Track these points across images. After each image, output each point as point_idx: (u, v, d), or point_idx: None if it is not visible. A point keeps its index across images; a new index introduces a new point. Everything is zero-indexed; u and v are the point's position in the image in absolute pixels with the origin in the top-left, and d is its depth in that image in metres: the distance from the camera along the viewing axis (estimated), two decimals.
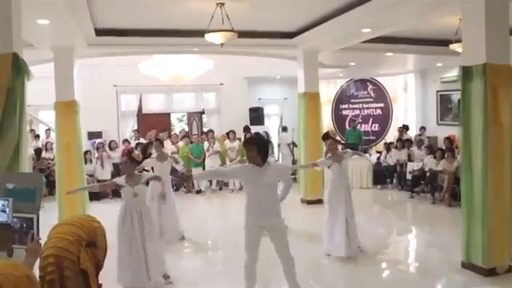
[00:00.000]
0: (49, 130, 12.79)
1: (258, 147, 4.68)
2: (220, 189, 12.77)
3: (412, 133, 14.90)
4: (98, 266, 1.72)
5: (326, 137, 6.81)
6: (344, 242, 6.42)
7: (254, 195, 4.74)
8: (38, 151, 12.13)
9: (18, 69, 4.37)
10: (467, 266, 5.82)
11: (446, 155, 10.40)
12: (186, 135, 13.61)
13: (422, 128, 14.42)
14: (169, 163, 8.02)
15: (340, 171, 6.65)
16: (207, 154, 12.54)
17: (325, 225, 6.77)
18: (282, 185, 5.10)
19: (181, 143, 12.92)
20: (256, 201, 4.73)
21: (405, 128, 14.45)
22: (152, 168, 8.11)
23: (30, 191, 3.14)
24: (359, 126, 15.86)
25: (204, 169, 12.24)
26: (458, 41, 7.16)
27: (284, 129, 14.67)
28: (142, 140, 12.46)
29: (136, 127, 14.35)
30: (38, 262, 1.71)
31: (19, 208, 3.04)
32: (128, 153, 5.69)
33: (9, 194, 3.16)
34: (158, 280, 5.56)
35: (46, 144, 12.46)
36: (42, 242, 1.93)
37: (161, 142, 8.35)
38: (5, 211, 3.12)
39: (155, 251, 5.53)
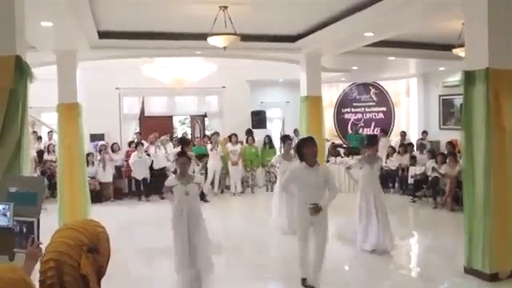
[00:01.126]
0: (51, 132, 12.80)
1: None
2: (222, 192, 12.75)
3: (414, 137, 14.91)
4: (100, 272, 1.69)
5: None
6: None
7: (305, 192, 5.31)
8: (40, 153, 12.14)
9: (21, 71, 4.38)
10: (469, 271, 5.80)
11: (447, 160, 10.37)
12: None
13: (424, 132, 14.41)
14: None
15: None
16: (210, 153, 12.49)
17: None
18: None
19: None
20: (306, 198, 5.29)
21: (402, 136, 14.40)
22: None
23: (31, 195, 3.13)
24: (361, 129, 15.86)
25: (206, 171, 12.20)
26: (461, 45, 7.16)
27: (295, 132, 14.66)
28: (145, 142, 12.45)
29: (138, 130, 14.35)
30: (38, 266, 1.70)
31: (20, 212, 3.04)
32: (184, 153, 5.98)
33: (11, 198, 3.16)
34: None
35: (49, 146, 12.47)
36: (43, 246, 1.93)
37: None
38: (6, 215, 3.11)
39: (203, 251, 5.57)
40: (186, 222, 5.47)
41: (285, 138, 9.36)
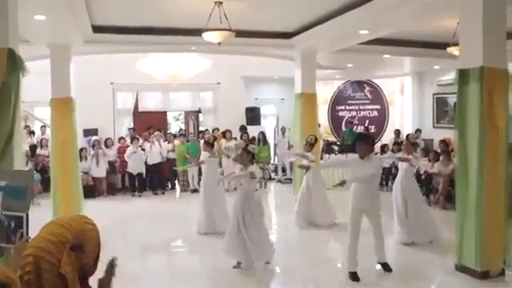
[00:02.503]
0: (44, 126, 12.73)
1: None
2: None
3: None
4: (85, 270, 1.63)
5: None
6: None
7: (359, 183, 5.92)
8: (33, 148, 12.07)
9: (14, 64, 4.35)
10: (461, 268, 5.83)
11: (441, 158, 10.41)
12: (183, 134, 13.58)
13: (418, 130, 14.45)
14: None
15: None
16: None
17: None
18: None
19: (176, 142, 12.88)
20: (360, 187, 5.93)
21: (396, 134, 14.46)
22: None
23: (21, 189, 3.08)
24: (355, 127, 15.88)
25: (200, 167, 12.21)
26: (456, 44, 7.17)
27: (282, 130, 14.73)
28: (139, 138, 12.43)
29: (132, 125, 14.30)
30: None
31: (9, 206, 3.00)
32: (245, 146, 6.85)
33: (2, 191, 3.12)
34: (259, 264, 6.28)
35: (41, 141, 12.40)
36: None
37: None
38: None
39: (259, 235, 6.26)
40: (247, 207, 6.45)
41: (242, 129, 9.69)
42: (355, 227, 5.95)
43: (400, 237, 7.48)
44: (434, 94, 15.05)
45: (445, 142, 11.81)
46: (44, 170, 11.27)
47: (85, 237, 1.62)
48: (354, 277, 5.82)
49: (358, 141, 6.25)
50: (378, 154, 12.88)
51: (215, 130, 13.37)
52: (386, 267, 6.17)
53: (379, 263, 6.22)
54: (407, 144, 8.10)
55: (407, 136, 7.79)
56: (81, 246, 1.60)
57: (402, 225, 7.47)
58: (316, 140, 9.05)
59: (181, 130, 14.42)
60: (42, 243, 1.56)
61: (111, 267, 1.84)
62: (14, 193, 3.06)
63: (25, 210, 2.96)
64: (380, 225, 6.21)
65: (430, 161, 10.69)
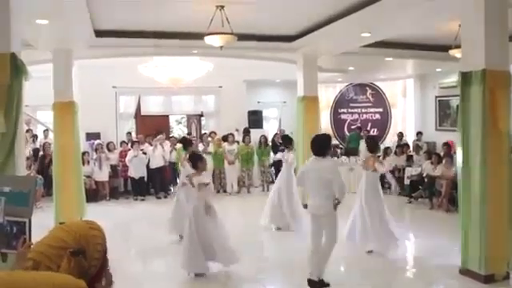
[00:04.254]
0: (47, 130, 12.75)
1: None
2: (218, 192, 12.72)
3: (410, 138, 14.94)
4: (90, 276, 1.59)
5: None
6: None
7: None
8: (35, 152, 12.09)
9: (16, 69, 4.36)
10: (465, 272, 5.81)
11: (444, 160, 10.39)
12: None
13: (419, 133, 14.43)
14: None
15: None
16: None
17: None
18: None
19: (178, 145, 12.86)
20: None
21: (398, 137, 14.44)
22: None
23: (23, 195, 3.07)
24: (362, 132, 15.85)
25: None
26: (458, 46, 7.16)
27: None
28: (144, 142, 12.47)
29: (130, 130, 14.27)
30: None
31: (12, 212, 2.99)
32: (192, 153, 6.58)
33: (5, 198, 3.12)
34: None
35: (44, 144, 12.41)
36: None
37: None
38: None
39: None
40: None
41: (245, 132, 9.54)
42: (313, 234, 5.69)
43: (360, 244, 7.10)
44: (436, 97, 15.03)
45: (448, 145, 11.79)
46: (47, 174, 11.27)
47: (87, 242, 1.59)
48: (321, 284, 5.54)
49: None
50: (381, 157, 12.90)
51: (212, 133, 13.37)
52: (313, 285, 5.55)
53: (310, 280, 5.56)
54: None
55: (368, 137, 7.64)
56: (82, 251, 1.56)
57: (361, 232, 7.09)
58: None
59: (189, 134, 14.26)
60: (42, 248, 1.55)
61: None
62: (17, 199, 3.05)
63: (27, 216, 2.96)
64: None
65: (432, 163, 10.66)
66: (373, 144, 7.44)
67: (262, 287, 6.00)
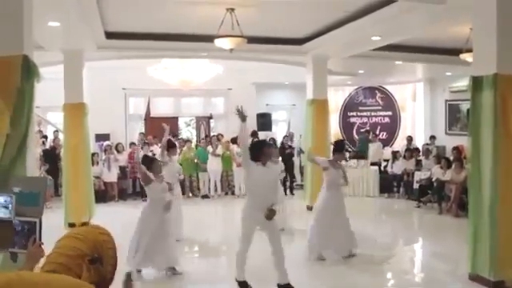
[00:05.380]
0: (57, 131, 12.83)
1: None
2: (226, 194, 12.74)
3: (420, 142, 14.84)
4: (105, 283, 1.59)
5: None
6: None
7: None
8: (45, 152, 12.16)
9: (29, 71, 4.39)
10: (474, 277, 5.75)
11: (454, 165, 10.31)
12: (188, 140, 13.58)
13: (432, 137, 14.31)
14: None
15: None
16: (209, 156, 12.52)
17: None
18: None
19: (184, 148, 12.89)
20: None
21: (408, 141, 14.36)
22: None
23: (34, 195, 3.09)
24: (370, 135, 15.78)
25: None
26: (469, 50, 7.12)
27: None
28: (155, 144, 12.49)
29: (143, 130, 14.38)
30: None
31: (23, 212, 3.02)
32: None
33: (15, 198, 3.14)
34: None
35: (54, 140, 12.48)
36: (45, 246, 1.87)
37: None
38: (7, 207, 3.08)
39: None
40: None
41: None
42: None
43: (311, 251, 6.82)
44: (446, 101, 14.94)
45: (457, 149, 11.72)
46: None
47: (102, 248, 1.58)
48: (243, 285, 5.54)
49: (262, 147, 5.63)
50: (389, 161, 12.86)
51: (219, 135, 13.39)
52: None
53: (279, 285, 5.51)
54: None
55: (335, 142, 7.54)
56: (99, 258, 1.56)
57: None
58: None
59: (207, 136, 14.17)
60: (60, 259, 1.51)
61: (128, 280, 1.82)
62: (28, 199, 3.07)
63: (38, 216, 2.97)
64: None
65: (442, 168, 10.58)
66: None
67: None
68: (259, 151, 5.47)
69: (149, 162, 6.41)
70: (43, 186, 3.18)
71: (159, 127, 13.98)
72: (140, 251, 5.90)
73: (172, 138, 12.55)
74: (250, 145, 5.58)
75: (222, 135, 13.49)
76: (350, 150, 14.96)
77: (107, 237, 1.64)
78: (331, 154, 7.60)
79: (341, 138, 16.20)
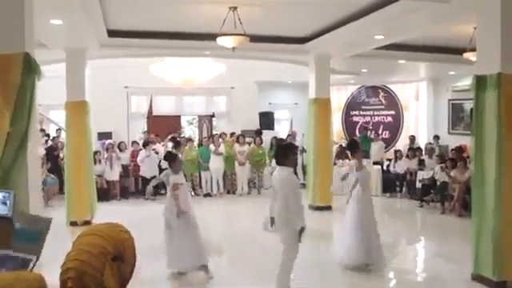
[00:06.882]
0: (59, 129, 12.84)
1: None
2: (228, 192, 12.71)
3: (422, 141, 14.80)
4: (124, 282, 1.57)
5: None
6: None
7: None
8: (48, 151, 12.17)
9: (30, 68, 4.37)
10: (477, 278, 5.72)
11: (457, 165, 10.26)
12: (190, 139, 13.57)
13: (436, 137, 14.25)
14: None
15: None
16: (211, 155, 12.50)
17: None
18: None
19: (186, 147, 12.87)
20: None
21: (411, 140, 14.31)
22: None
23: (35, 233, 2.97)
24: (369, 133, 15.76)
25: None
26: (472, 49, 7.08)
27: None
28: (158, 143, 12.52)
29: (146, 129, 14.39)
30: None
31: (20, 248, 2.92)
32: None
33: (14, 233, 3.04)
34: None
35: (57, 144, 12.50)
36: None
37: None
38: (6, 203, 3.03)
39: None
40: None
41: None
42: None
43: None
44: (449, 100, 14.89)
45: (457, 150, 11.68)
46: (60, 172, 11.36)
47: (124, 247, 1.57)
48: None
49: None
50: (392, 161, 12.82)
51: (222, 134, 13.37)
52: None
53: None
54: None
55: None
56: (121, 256, 1.54)
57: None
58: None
59: (218, 134, 14.08)
60: (83, 256, 1.49)
61: None
62: (28, 236, 2.97)
63: (36, 254, 2.90)
64: (283, 252, 5.23)
65: (447, 168, 10.50)
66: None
67: None
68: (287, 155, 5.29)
69: (172, 158, 6.42)
70: (46, 226, 3.07)
71: (161, 126, 14.11)
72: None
73: (176, 136, 12.62)
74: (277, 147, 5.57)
75: (225, 134, 13.48)
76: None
77: (128, 235, 1.62)
78: (350, 155, 7.27)
79: (343, 137, 16.22)
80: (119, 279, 1.54)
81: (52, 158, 11.81)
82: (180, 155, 7.81)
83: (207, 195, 12.41)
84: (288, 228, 5.08)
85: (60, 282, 1.50)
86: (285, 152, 5.33)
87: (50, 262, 2.63)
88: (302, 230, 5.04)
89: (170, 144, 11.83)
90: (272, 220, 5.28)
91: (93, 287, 1.47)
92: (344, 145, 14.79)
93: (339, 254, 6.54)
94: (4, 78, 4.24)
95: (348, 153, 13.48)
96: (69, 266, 1.49)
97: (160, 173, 12.01)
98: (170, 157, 6.51)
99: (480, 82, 5.59)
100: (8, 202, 3.04)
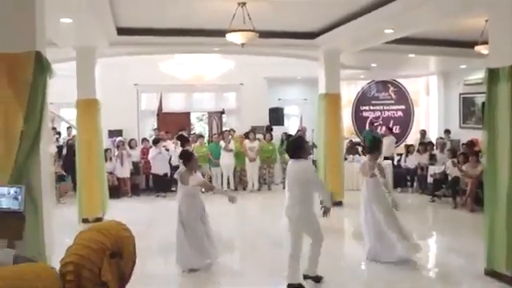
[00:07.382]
0: (70, 127, 12.94)
1: None
2: (235, 189, 12.66)
3: (433, 136, 14.70)
4: (124, 278, 1.62)
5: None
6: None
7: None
8: (59, 149, 12.28)
9: (41, 67, 4.40)
10: (490, 273, 5.68)
11: (469, 159, 10.18)
12: (201, 136, 13.60)
13: (447, 131, 14.14)
14: None
15: None
16: (222, 151, 12.52)
17: None
18: None
19: (196, 143, 12.90)
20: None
21: (422, 135, 14.21)
22: None
23: None
24: (376, 128, 15.68)
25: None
26: (484, 42, 7.01)
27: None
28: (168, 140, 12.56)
29: (156, 126, 14.45)
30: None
31: None
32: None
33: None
34: None
35: (68, 142, 12.59)
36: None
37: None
38: (17, 198, 3.06)
39: None
40: None
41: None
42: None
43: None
44: (460, 94, 14.77)
45: (468, 144, 11.58)
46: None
47: (122, 244, 1.61)
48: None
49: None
50: (403, 155, 12.75)
51: (231, 130, 13.37)
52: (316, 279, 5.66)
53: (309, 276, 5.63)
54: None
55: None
56: (120, 253, 1.59)
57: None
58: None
59: (231, 129, 14.06)
60: (82, 251, 1.54)
61: None
62: None
63: None
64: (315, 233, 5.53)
65: (459, 162, 10.41)
66: (371, 145, 7.00)
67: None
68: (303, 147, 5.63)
69: (187, 156, 6.44)
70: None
71: (171, 123, 14.14)
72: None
73: (183, 134, 12.66)
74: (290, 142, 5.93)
75: (234, 130, 13.49)
76: (362, 144, 14.85)
77: (128, 233, 1.66)
78: (367, 153, 7.20)
79: (353, 132, 16.16)
80: (118, 275, 1.58)
81: (68, 156, 11.88)
82: None
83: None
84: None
85: (60, 274, 1.55)
86: (300, 144, 5.65)
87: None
88: (328, 209, 5.64)
89: (178, 142, 11.90)
90: (331, 196, 5.98)
91: (90, 281, 1.52)
92: (354, 140, 14.84)
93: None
94: (16, 77, 4.28)
95: (358, 148, 13.60)
96: (68, 260, 1.54)
97: (171, 170, 12.13)
98: (185, 155, 6.50)
99: (492, 74, 5.53)
100: (20, 197, 3.08)
